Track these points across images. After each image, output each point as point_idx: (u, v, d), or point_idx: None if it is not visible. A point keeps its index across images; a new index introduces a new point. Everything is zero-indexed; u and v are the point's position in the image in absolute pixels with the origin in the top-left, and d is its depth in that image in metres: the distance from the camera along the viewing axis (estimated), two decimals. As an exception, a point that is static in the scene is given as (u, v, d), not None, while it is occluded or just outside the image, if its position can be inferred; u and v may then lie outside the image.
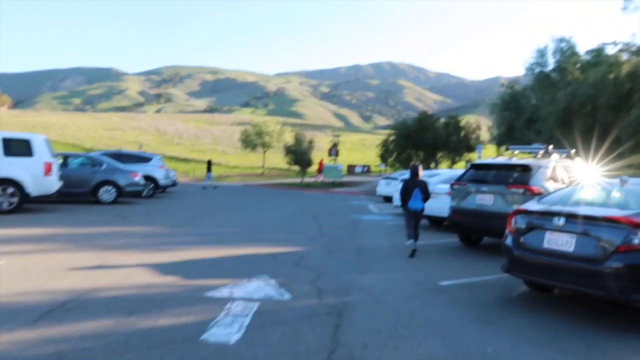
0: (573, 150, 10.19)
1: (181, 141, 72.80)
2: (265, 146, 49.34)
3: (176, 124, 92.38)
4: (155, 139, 71.58)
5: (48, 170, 12.18)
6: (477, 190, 9.19)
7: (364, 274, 6.90)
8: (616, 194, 5.61)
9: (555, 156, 9.45)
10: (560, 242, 5.14)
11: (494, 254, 8.90)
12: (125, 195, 16.12)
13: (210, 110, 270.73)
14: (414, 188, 8.73)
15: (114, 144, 60.82)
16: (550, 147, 9.79)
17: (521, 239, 5.58)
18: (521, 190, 8.51)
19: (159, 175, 19.73)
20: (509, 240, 5.79)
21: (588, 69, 27.65)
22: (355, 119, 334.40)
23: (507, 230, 5.94)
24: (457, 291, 6.13)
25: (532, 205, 5.84)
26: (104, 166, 15.74)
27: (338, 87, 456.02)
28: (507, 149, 10.83)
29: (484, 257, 8.71)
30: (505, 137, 32.30)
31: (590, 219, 4.99)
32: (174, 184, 23.64)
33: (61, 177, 14.24)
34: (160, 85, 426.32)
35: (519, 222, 5.70)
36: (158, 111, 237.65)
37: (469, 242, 10.06)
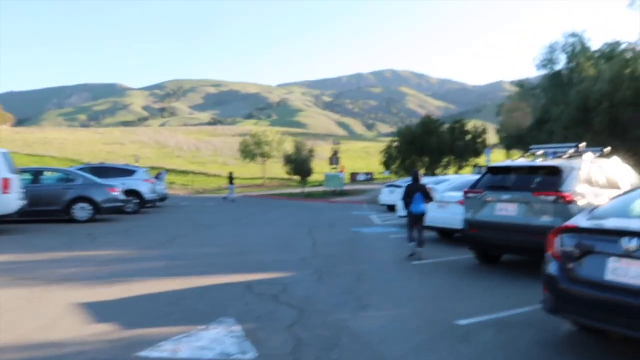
0: (608, 148, 8.65)
1: (181, 153, 71.63)
2: (265, 156, 47.94)
3: (177, 136, 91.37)
4: (154, 152, 70.46)
5: (5, 187, 10.78)
6: (497, 198, 7.67)
7: (361, 310, 5.40)
8: None
9: (588, 155, 7.94)
10: (632, 273, 3.63)
11: (518, 275, 7.37)
12: (104, 212, 14.69)
13: (213, 122, 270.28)
14: (415, 192, 9.03)
15: (112, 158, 59.69)
16: (582, 144, 8.28)
17: (571, 267, 4.07)
18: (552, 198, 6.99)
19: (144, 189, 18.32)
20: (552, 268, 4.27)
21: (602, 64, 26.12)
22: (358, 127, 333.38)
23: (547, 255, 4.43)
24: (482, 334, 4.62)
25: (583, 220, 4.33)
26: (78, 181, 14.33)
27: (340, 96, 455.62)
28: (527, 151, 9.23)
29: (508, 279, 7.18)
30: (515, 140, 30.75)
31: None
32: (163, 198, 22.23)
33: (32, 194, 12.90)
34: (164, 99, 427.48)
35: (567, 244, 4.19)
36: (162, 125, 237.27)
37: (487, 260, 8.54)
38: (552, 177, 7.33)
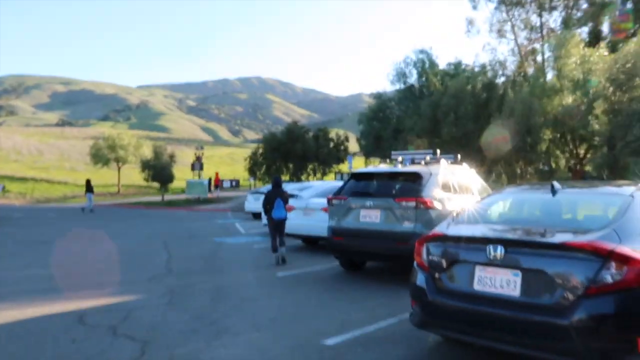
0: (459, 156, 9.06)
1: (20, 157, 63.13)
2: (120, 161, 44.14)
3: (14, 137, 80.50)
4: (-15, 156, 61.16)
5: None
6: (360, 205, 7.50)
7: (216, 339, 4.68)
8: (560, 208, 4.18)
9: (443, 162, 8.18)
10: (499, 282, 3.48)
11: (383, 283, 7.26)
12: None
13: (61, 124, 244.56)
14: (276, 198, 9.10)
15: None
16: (438, 151, 8.53)
17: (439, 278, 3.85)
18: (412, 203, 6.98)
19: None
20: (420, 280, 4.02)
21: (448, 80, 28.60)
22: (224, 133, 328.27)
23: (415, 265, 4.18)
24: (350, 354, 4.22)
25: (450, 228, 4.16)
26: None
27: (206, 100, 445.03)
28: (385, 158, 9.29)
29: (373, 288, 7.01)
30: (374, 147, 32.27)
31: (539, 247, 3.40)
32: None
33: None
34: (1, 96, 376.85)
35: (434, 253, 3.97)
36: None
37: (352, 266, 8.38)
38: (413, 183, 7.36)
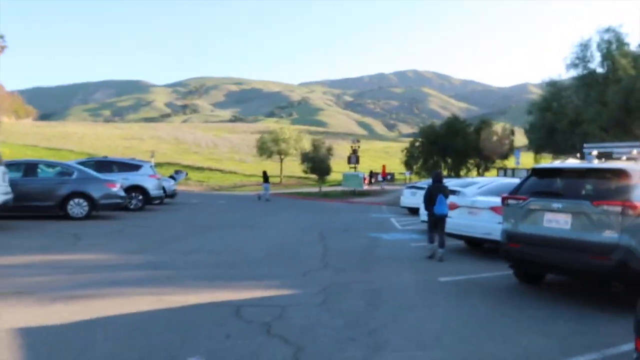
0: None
1: (199, 150, 71.01)
2: (282, 153, 46.74)
3: (196, 132, 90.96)
4: (172, 148, 69.98)
5: (-17, 180, 9.75)
6: (545, 207, 6.26)
7: (376, 353, 4.09)
8: None
9: (658, 158, 6.48)
10: None
11: (572, 302, 5.96)
12: (101, 208, 13.66)
13: (234, 120, 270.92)
14: (438, 193, 8.96)
15: (130, 153, 59.48)
16: (650, 144, 6.83)
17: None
18: (617, 208, 5.57)
19: (150, 185, 17.28)
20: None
21: (642, 62, 24.23)
22: (379, 127, 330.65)
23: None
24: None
25: None
26: (74, 175, 13.31)
27: (362, 95, 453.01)
28: (580, 152, 7.68)
29: (561, 308, 5.78)
30: (546, 142, 28.94)
31: None
32: (171, 195, 21.22)
33: (23, 189, 11.97)
34: (187, 96, 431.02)
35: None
36: (185, 122, 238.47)
37: (529, 278, 7.15)
38: (617, 183, 5.91)
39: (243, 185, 46.40)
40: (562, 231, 6.04)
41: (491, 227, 9.31)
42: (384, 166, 39.91)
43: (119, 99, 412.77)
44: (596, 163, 6.42)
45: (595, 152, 7.04)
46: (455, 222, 10.06)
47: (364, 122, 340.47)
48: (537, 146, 30.12)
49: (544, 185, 6.65)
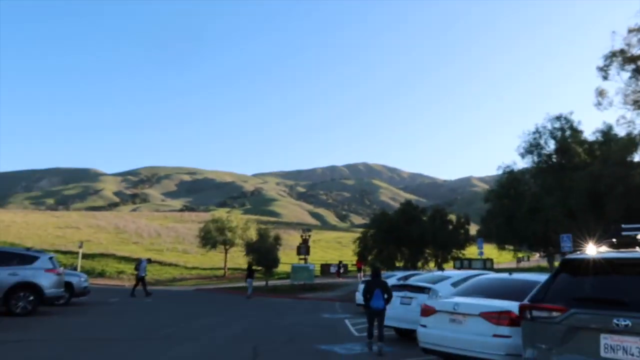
0: None
1: (139, 240, 65.99)
2: (228, 244, 43.24)
3: (139, 221, 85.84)
4: (110, 237, 64.74)
5: None
6: (603, 326, 3.78)
7: None
8: None
9: None
10: None
11: None
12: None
13: (184, 209, 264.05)
14: (375, 288, 9.10)
15: (60, 243, 54.21)
16: None
17: None
18: None
19: (45, 282, 13.69)
20: None
21: (596, 149, 23.72)
22: (331, 218, 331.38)
23: None
24: None
25: None
26: None
27: (314, 187, 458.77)
28: (612, 231, 5.27)
29: None
30: (504, 230, 27.42)
31: None
32: (81, 293, 17.48)
33: None
34: (138, 185, 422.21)
35: None
36: (134, 211, 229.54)
37: None
38: None
39: (183, 279, 42.12)
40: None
41: (483, 342, 6.71)
42: (358, 257, 37.18)
43: (66, 187, 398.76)
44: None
45: None
46: (434, 333, 7.38)
47: (317, 213, 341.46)
48: (498, 235, 28.55)
49: (589, 287, 4.20)
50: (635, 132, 22.14)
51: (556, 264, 42.56)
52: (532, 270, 38.90)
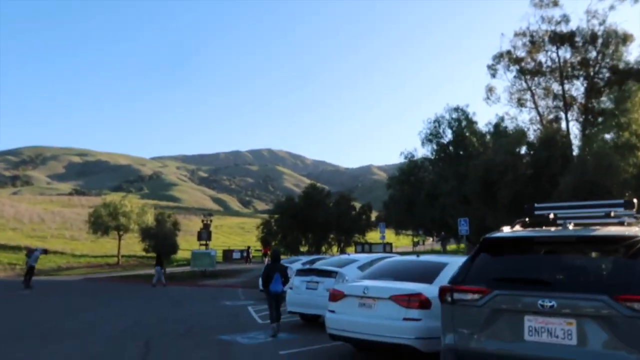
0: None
1: (19, 225, 59.74)
2: (122, 229, 40.45)
3: (19, 205, 77.78)
4: (-17, 223, 57.96)
5: None
6: (526, 306, 3.59)
7: None
8: None
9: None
10: None
11: None
12: None
13: (73, 193, 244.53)
14: (275, 272, 9.19)
15: None
16: (635, 201, 4.69)
17: None
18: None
19: None
20: None
21: (489, 140, 25.30)
22: (234, 203, 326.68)
23: None
24: None
25: None
26: None
27: (217, 172, 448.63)
28: (526, 211, 5.16)
29: None
30: (405, 215, 28.41)
31: None
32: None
33: None
34: (19, 166, 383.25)
35: None
36: (15, 194, 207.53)
37: None
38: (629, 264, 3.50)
39: (70, 268, 38.72)
40: (561, 350, 3.36)
41: (393, 325, 6.49)
42: (267, 244, 36.34)
43: None
44: (603, 230, 3.99)
45: (551, 216, 4.65)
46: (344, 319, 7.05)
47: (219, 199, 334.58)
48: (398, 220, 29.55)
49: (511, 267, 4.01)
50: (519, 127, 24.43)
51: (449, 247, 45.41)
52: (427, 253, 41.06)
